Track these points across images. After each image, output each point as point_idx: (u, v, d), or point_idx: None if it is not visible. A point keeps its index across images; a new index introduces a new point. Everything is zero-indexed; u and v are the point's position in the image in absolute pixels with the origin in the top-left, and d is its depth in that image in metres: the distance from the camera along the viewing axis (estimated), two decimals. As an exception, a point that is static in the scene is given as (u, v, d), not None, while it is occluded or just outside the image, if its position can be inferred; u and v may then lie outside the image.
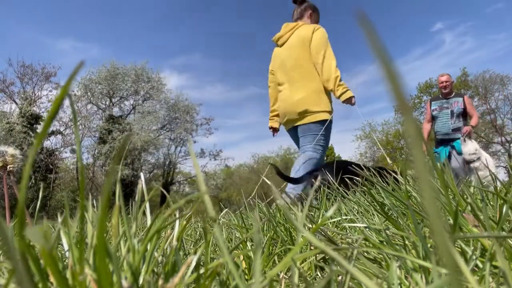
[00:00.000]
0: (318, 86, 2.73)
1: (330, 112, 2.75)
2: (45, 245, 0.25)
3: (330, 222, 1.02)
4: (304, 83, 2.72)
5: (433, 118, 4.88)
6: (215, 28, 43.74)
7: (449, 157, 4.58)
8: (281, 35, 2.92)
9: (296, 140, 2.95)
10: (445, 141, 4.67)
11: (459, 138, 4.46)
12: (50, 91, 18.51)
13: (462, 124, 4.66)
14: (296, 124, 2.80)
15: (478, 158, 4.14)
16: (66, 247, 0.50)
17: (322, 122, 2.71)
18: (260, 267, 0.34)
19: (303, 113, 2.71)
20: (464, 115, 4.69)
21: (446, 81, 4.78)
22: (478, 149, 4.20)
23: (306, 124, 2.73)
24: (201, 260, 0.45)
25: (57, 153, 17.72)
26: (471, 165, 4.11)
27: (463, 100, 4.70)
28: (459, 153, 4.37)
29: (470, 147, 4.20)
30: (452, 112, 4.66)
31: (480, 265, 0.48)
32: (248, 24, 45.13)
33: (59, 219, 0.52)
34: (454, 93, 4.81)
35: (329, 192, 1.42)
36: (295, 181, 2.38)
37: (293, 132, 2.92)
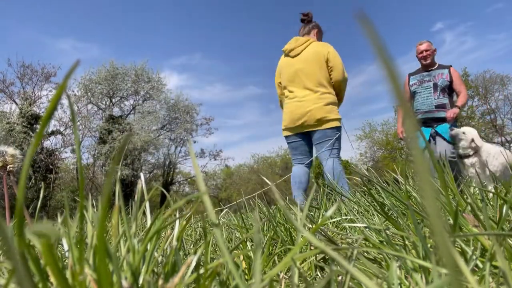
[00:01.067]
0: (333, 98, 3.07)
1: (340, 120, 3.11)
2: (53, 235, 0.25)
3: (330, 222, 1.02)
4: (321, 95, 3.04)
5: (412, 96, 3.99)
6: (215, 28, 43.78)
7: (432, 140, 3.75)
8: (294, 47, 3.17)
9: (299, 144, 3.15)
10: (427, 121, 3.80)
11: (444, 118, 3.61)
12: (50, 91, 18.51)
13: (448, 100, 3.73)
14: (312, 130, 3.05)
15: (475, 153, 3.22)
16: (66, 247, 0.50)
17: (336, 128, 3.04)
18: (260, 267, 0.34)
19: (321, 120, 3.00)
20: (451, 90, 3.77)
21: (426, 50, 3.82)
22: (475, 139, 3.23)
23: (323, 129, 3.02)
24: (201, 260, 0.45)
25: (57, 153, 17.72)
26: (466, 160, 3.22)
27: (449, 71, 3.76)
28: (446, 140, 3.56)
29: (463, 140, 3.30)
30: (435, 85, 3.74)
31: (480, 265, 0.48)
32: (248, 24, 45.16)
33: (59, 219, 0.52)
34: (437, 65, 3.86)
35: (329, 192, 1.42)
36: None
37: (302, 136, 3.14)
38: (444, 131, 3.62)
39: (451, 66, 3.81)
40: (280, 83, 3.28)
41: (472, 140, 3.23)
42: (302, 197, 2.90)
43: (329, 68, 3.08)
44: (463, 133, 3.34)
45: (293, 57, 3.17)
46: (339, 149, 3.06)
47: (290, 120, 3.09)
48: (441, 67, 3.83)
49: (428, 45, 3.85)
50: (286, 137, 3.19)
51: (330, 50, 3.09)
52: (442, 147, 3.57)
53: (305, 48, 3.13)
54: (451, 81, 3.72)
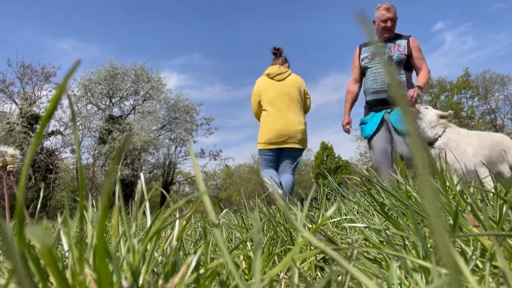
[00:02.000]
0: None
1: None
2: (45, 243, 0.25)
3: (330, 222, 1.02)
4: (302, 118, 3.55)
5: (363, 72, 3.20)
6: (216, 28, 43.80)
7: (381, 126, 3.07)
8: (280, 73, 3.57)
9: (274, 158, 3.51)
10: (379, 103, 3.05)
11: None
12: (50, 91, 18.55)
13: (405, 77, 3.02)
14: (290, 146, 3.46)
15: (444, 132, 2.46)
16: (66, 247, 0.50)
17: (303, 150, 3.59)
18: (260, 267, 0.34)
19: (301, 139, 3.49)
20: (409, 66, 3.05)
21: (392, 20, 3.02)
22: (442, 119, 2.48)
23: (297, 149, 3.50)
24: (201, 260, 0.45)
25: (57, 153, 17.74)
26: (435, 145, 2.45)
27: (408, 42, 3.02)
28: (398, 131, 2.93)
29: (428, 116, 2.54)
30: (389, 59, 2.98)
31: (480, 265, 0.48)
32: (248, 24, 45.18)
33: (59, 219, 0.52)
34: (395, 35, 3.10)
35: (329, 192, 1.42)
36: None
37: (276, 151, 3.51)
38: (395, 119, 2.94)
39: (410, 36, 3.10)
40: (260, 102, 3.60)
41: (442, 120, 2.48)
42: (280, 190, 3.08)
43: (304, 98, 3.64)
44: (428, 107, 2.64)
45: (278, 81, 3.57)
46: (297, 166, 3.64)
47: (273, 135, 3.42)
48: (399, 37, 3.09)
49: (395, 13, 3.05)
50: (264, 149, 3.51)
51: (305, 85, 3.67)
52: (397, 140, 2.97)
53: (288, 76, 3.57)
54: (409, 55, 3.00)
